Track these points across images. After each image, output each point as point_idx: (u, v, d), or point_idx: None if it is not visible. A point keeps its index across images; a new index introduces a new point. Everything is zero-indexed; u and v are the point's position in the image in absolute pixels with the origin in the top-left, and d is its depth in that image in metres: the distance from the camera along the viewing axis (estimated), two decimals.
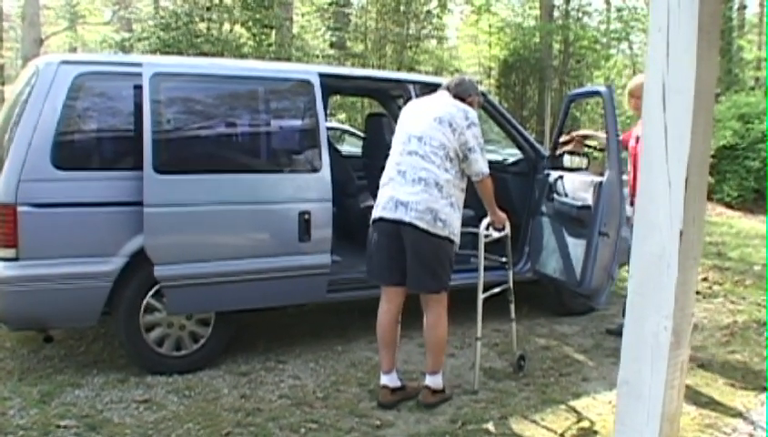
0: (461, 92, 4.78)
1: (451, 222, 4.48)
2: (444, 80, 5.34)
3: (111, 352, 5.40)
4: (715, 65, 2.26)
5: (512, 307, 5.29)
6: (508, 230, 5.09)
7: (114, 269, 4.76)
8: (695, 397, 4.86)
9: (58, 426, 4.13)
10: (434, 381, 4.66)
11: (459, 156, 4.50)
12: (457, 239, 4.57)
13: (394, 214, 4.46)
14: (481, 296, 4.92)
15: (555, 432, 4.32)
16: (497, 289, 5.17)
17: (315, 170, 5.30)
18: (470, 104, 4.77)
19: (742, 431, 4.40)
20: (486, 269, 4.96)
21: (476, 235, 4.95)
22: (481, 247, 4.90)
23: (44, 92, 4.63)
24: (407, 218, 4.40)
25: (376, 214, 4.62)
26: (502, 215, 4.95)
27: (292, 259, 5.21)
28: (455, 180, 4.51)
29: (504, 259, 5.25)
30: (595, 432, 4.34)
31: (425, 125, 4.54)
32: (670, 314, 2.21)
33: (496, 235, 5.04)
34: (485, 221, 4.92)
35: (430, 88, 6.61)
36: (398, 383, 4.71)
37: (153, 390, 4.74)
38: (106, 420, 4.26)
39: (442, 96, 4.76)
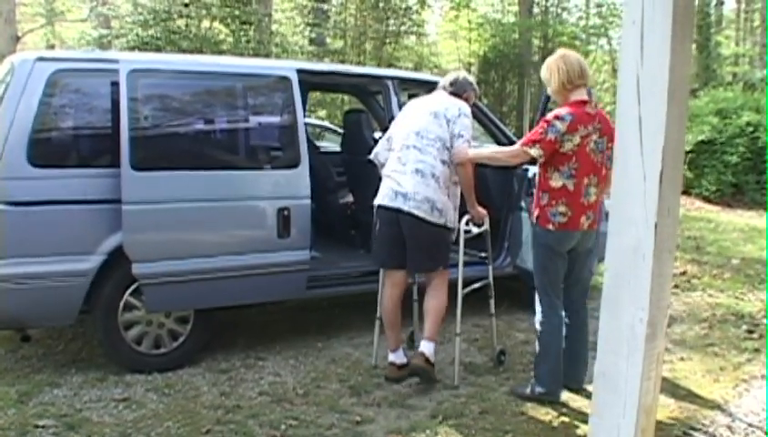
0: (457, 90, 5.06)
1: (447, 212, 4.75)
2: (424, 75, 5.40)
3: (90, 351, 5.36)
4: (689, 58, 2.28)
5: (492, 302, 5.31)
6: (487, 226, 5.13)
7: (92, 267, 4.72)
8: (674, 389, 4.89)
9: (36, 426, 4.10)
10: (429, 349, 4.79)
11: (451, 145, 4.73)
12: (452, 227, 4.85)
13: (393, 202, 4.72)
14: (461, 291, 4.93)
15: (536, 426, 4.33)
16: (476, 285, 5.20)
17: (293, 166, 5.28)
18: (467, 99, 5.04)
19: (720, 422, 4.43)
20: (466, 264, 4.99)
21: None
22: (461, 242, 4.93)
23: (19, 89, 4.58)
24: (405, 208, 4.67)
25: (378, 201, 4.88)
26: (482, 210, 5.05)
27: (271, 255, 5.19)
28: (450, 173, 4.74)
29: (484, 255, 5.28)
30: (575, 426, 4.35)
31: (423, 120, 4.83)
32: (645, 306, 2.22)
33: (475, 230, 5.08)
34: (465, 217, 4.97)
35: (410, 84, 6.65)
36: (404, 360, 4.89)
37: (132, 388, 4.71)
38: (84, 419, 4.23)
39: (440, 94, 5.03)
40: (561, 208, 4.42)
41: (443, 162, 4.72)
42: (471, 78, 5.24)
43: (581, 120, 4.36)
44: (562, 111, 4.39)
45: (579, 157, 4.36)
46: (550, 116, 4.41)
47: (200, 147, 5.30)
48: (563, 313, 4.69)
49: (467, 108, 4.89)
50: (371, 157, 5.22)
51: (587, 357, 4.77)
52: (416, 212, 4.64)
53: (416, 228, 4.69)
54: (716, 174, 14.85)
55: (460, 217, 5.00)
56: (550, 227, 4.46)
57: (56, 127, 4.86)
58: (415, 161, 4.71)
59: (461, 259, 4.95)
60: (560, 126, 4.32)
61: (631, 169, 2.21)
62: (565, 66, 4.46)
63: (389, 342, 4.95)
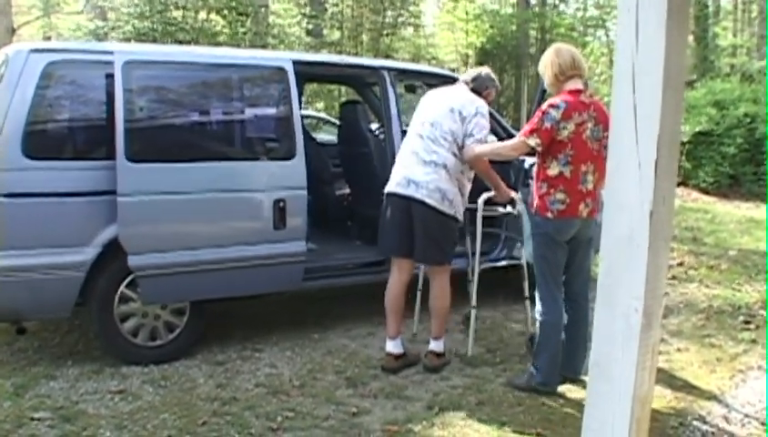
0: (478, 86, 5.10)
1: (457, 203, 4.86)
2: (422, 66, 5.43)
3: (85, 343, 5.36)
4: (684, 45, 2.26)
5: (526, 285, 5.46)
6: (511, 209, 5.40)
7: (87, 259, 4.71)
8: (670, 380, 4.90)
9: (32, 418, 4.09)
10: (438, 346, 5.05)
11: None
12: (461, 218, 4.98)
13: (406, 190, 4.82)
14: (478, 268, 5.17)
15: (532, 417, 4.33)
16: (503, 263, 5.51)
17: (289, 158, 5.27)
18: (487, 96, 5.11)
19: (716, 413, 4.43)
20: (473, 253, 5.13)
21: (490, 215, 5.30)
22: (479, 219, 5.11)
23: (14, 80, 4.56)
24: (418, 196, 4.76)
25: (389, 189, 4.97)
26: (507, 190, 5.22)
27: (267, 247, 5.18)
28: (462, 166, 4.83)
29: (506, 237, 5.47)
30: (572, 416, 4.34)
31: (439, 112, 4.90)
32: (640, 296, 2.21)
33: (502, 210, 5.38)
34: (484, 196, 5.14)
35: (406, 75, 6.63)
36: (401, 350, 5.02)
37: (128, 380, 4.71)
38: (80, 411, 4.22)
39: (461, 89, 5.07)
40: (560, 196, 4.43)
41: (454, 155, 4.79)
42: (494, 75, 5.28)
43: (575, 108, 4.38)
44: (556, 100, 4.44)
45: (575, 145, 4.38)
46: (544, 105, 4.45)
47: (196, 138, 5.29)
48: (564, 305, 4.69)
49: (484, 108, 4.94)
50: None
51: (586, 348, 4.76)
52: (428, 200, 4.73)
53: (427, 217, 4.78)
54: (714, 165, 14.85)
55: (477, 198, 5.12)
56: (549, 215, 4.46)
57: (51, 119, 4.84)
58: (428, 151, 4.80)
59: (479, 234, 5.12)
60: (555, 113, 4.34)
61: (625, 157, 2.20)
62: (557, 58, 4.53)
63: (388, 330, 5.01)
